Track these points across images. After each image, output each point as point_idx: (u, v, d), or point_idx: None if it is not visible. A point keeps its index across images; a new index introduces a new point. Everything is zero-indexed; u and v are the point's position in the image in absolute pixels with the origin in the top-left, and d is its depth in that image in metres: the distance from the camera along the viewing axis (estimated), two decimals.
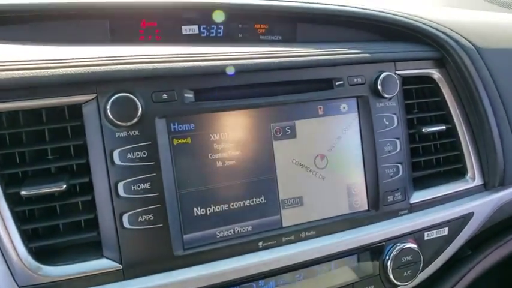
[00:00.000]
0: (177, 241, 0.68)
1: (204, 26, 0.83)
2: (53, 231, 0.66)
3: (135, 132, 0.65)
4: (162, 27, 0.80)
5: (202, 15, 0.82)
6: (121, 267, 0.65)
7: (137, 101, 0.64)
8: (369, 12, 0.84)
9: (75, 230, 0.66)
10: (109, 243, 0.65)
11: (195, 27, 0.82)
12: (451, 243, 0.86)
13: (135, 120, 0.64)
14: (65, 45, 0.71)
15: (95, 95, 0.64)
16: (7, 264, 0.60)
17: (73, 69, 0.62)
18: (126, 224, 0.65)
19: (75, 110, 0.65)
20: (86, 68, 0.63)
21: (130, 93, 0.64)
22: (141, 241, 0.66)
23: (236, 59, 0.70)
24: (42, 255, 0.64)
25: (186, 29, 0.81)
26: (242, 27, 0.84)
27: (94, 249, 0.66)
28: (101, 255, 0.65)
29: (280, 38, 0.87)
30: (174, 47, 0.74)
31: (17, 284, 0.61)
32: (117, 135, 0.64)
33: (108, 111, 0.63)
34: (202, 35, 0.83)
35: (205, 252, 0.69)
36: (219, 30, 0.85)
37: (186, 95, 0.68)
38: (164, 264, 0.67)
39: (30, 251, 0.62)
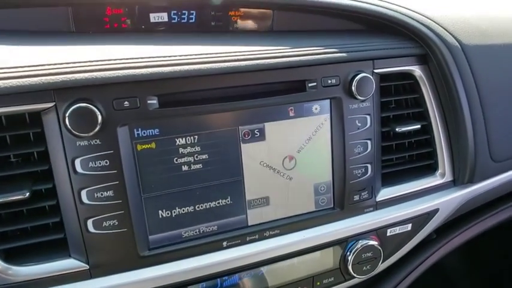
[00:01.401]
0: (142, 242, 0.70)
1: (175, 12, 0.78)
2: (20, 233, 0.68)
3: (96, 141, 0.64)
4: (129, 15, 0.76)
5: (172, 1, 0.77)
6: (87, 267, 0.68)
7: (97, 111, 0.62)
8: (349, 4, 0.78)
9: (43, 231, 0.68)
10: (75, 245, 0.67)
11: (164, 14, 0.77)
12: (413, 239, 0.89)
13: (95, 130, 0.63)
14: (24, 41, 0.68)
15: (53, 103, 0.62)
16: None
17: (29, 79, 0.60)
18: (91, 229, 0.67)
19: (36, 117, 0.64)
20: (43, 78, 0.60)
21: (89, 102, 0.62)
22: (107, 243, 0.68)
23: (202, 63, 0.67)
24: (11, 255, 0.66)
25: (155, 17, 0.76)
26: (215, 14, 0.79)
27: (62, 248, 0.68)
28: (68, 255, 0.68)
29: (256, 26, 0.82)
30: (138, 46, 0.70)
31: None
32: (77, 144, 0.64)
33: (67, 122, 0.61)
34: (173, 21, 0.78)
35: (171, 252, 0.72)
36: (191, 17, 0.80)
37: (149, 101, 0.66)
38: (130, 264, 0.70)
39: None
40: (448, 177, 0.90)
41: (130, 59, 0.65)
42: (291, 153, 0.77)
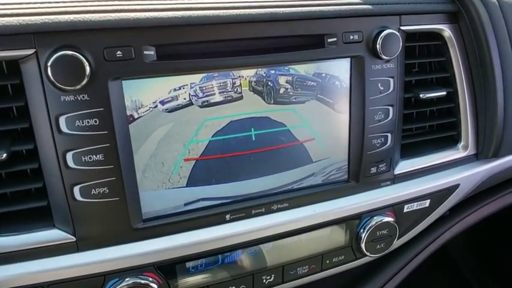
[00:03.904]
0: (136, 214, 0.62)
1: None
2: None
3: (84, 97, 0.55)
4: None
5: None
6: (74, 239, 0.60)
7: (84, 61, 0.53)
8: None
9: (24, 198, 0.60)
10: (60, 214, 0.60)
11: None
12: (430, 215, 0.82)
13: (83, 83, 0.54)
14: None
15: (33, 50, 0.53)
16: None
17: (4, 19, 0.51)
18: (77, 196, 0.59)
19: (14, 66, 0.54)
20: (20, 19, 0.52)
21: (76, 50, 0.53)
22: (96, 213, 0.60)
23: (208, 9, 0.58)
24: None
25: None
26: None
27: (46, 217, 0.60)
28: (52, 226, 0.60)
29: None
30: None
31: None
32: (62, 99, 0.55)
33: (49, 72, 0.52)
34: None
35: (167, 224, 0.64)
36: None
37: (145, 52, 0.57)
38: (122, 236, 0.62)
39: None
40: (471, 151, 0.82)
41: (124, 0, 0.56)
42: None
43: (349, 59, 0.68)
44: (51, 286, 0.60)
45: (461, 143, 0.82)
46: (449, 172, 0.81)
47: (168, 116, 0.61)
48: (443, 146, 0.82)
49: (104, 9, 0.55)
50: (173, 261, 0.65)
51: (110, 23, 0.54)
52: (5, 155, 0.55)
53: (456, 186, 0.82)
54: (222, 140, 0.65)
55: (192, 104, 0.62)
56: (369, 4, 0.67)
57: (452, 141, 0.83)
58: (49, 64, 0.52)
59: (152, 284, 0.64)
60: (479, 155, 0.83)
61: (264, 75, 0.64)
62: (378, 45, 0.67)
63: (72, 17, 0.53)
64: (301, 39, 0.65)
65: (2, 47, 0.52)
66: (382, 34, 0.66)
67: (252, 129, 0.66)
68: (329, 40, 0.65)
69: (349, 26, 0.66)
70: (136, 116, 0.59)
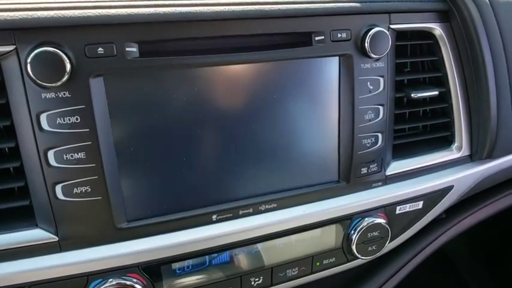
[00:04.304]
0: (120, 213, 0.61)
1: None
2: None
3: (64, 94, 0.55)
4: None
5: None
6: (57, 239, 0.59)
7: (65, 57, 0.52)
8: None
9: (7, 197, 0.59)
10: (43, 214, 0.59)
11: None
12: (423, 218, 0.81)
13: (63, 80, 0.53)
14: None
15: (14, 47, 0.53)
16: None
17: None
18: (60, 195, 0.58)
19: None
20: (1, 14, 0.51)
21: (56, 46, 0.53)
22: (78, 213, 0.59)
23: (192, 5, 0.58)
24: None
25: None
26: None
27: (28, 217, 0.60)
28: (35, 225, 0.59)
29: None
30: None
31: None
32: (43, 97, 0.54)
33: (29, 69, 0.52)
34: None
35: (152, 224, 0.63)
36: None
37: (128, 49, 0.56)
38: (105, 237, 0.61)
39: None
40: (465, 152, 0.81)
41: None
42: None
43: (337, 58, 0.67)
44: (33, 287, 0.59)
45: (455, 144, 0.81)
46: (443, 173, 0.80)
47: (153, 115, 0.60)
48: (437, 146, 0.81)
49: (85, 6, 0.54)
50: (158, 262, 0.64)
51: (91, 19, 0.54)
52: None
53: (450, 187, 0.80)
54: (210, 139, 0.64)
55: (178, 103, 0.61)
56: (358, 2, 0.66)
57: (446, 142, 0.81)
58: (29, 60, 0.52)
59: (136, 285, 0.63)
60: (474, 156, 0.81)
61: (251, 73, 0.63)
62: (366, 44, 0.66)
63: (52, 13, 0.52)
64: (289, 37, 0.64)
65: None
66: (371, 32, 0.66)
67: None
68: (316, 38, 0.65)
69: (337, 24, 0.65)
70: (119, 113, 0.58)
